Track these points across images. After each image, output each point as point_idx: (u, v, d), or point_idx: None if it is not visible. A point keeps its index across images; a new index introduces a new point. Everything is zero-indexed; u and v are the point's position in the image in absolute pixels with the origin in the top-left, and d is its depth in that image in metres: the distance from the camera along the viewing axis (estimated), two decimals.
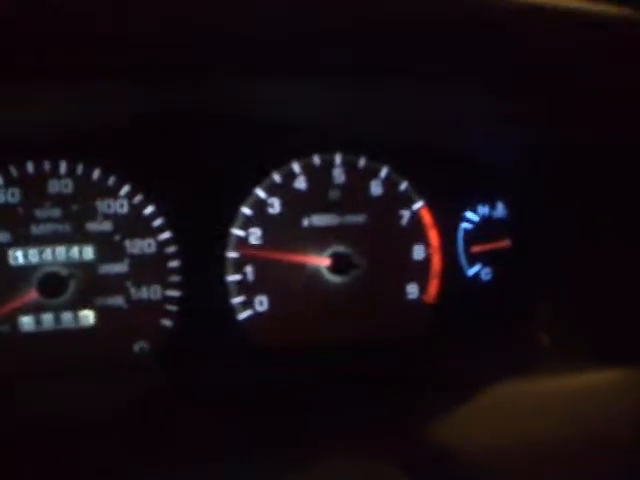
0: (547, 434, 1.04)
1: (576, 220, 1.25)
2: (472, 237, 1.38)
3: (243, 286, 1.30)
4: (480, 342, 1.30)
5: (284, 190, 1.31)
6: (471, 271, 1.38)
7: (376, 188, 1.34)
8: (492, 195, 1.39)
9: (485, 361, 1.27)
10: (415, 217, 1.36)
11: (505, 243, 1.38)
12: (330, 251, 1.32)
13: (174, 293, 1.28)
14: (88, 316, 1.25)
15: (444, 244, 1.36)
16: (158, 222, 1.27)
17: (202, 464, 1.01)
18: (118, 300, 1.26)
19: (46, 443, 1.07)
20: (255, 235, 1.30)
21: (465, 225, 1.38)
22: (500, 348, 1.29)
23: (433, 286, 1.37)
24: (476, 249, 1.38)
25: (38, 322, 1.23)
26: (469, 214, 1.38)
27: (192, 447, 1.05)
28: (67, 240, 1.23)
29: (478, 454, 1.03)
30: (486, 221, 1.38)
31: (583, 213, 1.23)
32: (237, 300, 1.30)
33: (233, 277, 1.30)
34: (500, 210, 1.39)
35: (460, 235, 1.38)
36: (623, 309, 1.16)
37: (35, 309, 1.22)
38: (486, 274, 1.39)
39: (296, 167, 1.31)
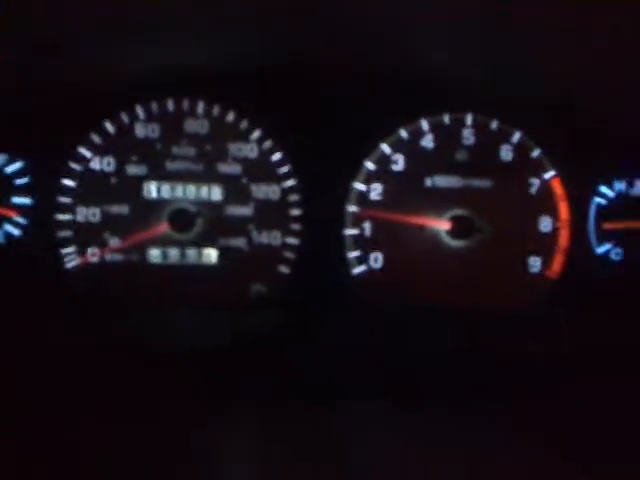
0: None
1: None
2: (605, 213, 1.30)
3: (360, 241, 1.31)
4: (602, 326, 1.23)
5: (410, 147, 1.30)
6: (600, 249, 1.31)
7: (506, 153, 1.30)
8: (630, 171, 1.30)
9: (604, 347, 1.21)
10: (545, 187, 1.30)
11: None
12: (451, 214, 1.29)
13: (293, 241, 1.30)
14: (211, 254, 1.30)
15: (574, 218, 1.30)
16: (284, 169, 1.30)
17: (311, 404, 1.04)
18: (240, 242, 1.30)
19: (165, 368, 1.14)
20: (376, 191, 1.30)
21: (598, 200, 1.30)
22: (623, 334, 1.22)
23: (558, 261, 1.30)
24: (608, 226, 1.30)
25: (165, 256, 1.29)
26: (604, 189, 1.30)
27: (299, 388, 1.08)
28: (198, 179, 1.29)
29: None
30: (622, 198, 1.30)
31: None
32: (353, 254, 1.30)
33: (351, 231, 1.30)
34: (638, 188, 1.30)
35: (592, 210, 1.30)
36: None
37: (163, 243, 1.29)
38: (616, 254, 1.31)
39: (425, 125, 1.30)
